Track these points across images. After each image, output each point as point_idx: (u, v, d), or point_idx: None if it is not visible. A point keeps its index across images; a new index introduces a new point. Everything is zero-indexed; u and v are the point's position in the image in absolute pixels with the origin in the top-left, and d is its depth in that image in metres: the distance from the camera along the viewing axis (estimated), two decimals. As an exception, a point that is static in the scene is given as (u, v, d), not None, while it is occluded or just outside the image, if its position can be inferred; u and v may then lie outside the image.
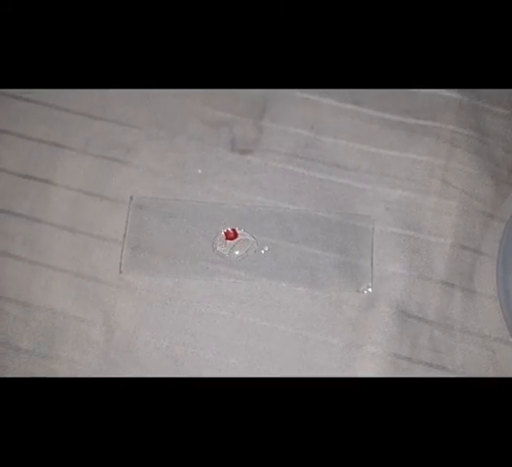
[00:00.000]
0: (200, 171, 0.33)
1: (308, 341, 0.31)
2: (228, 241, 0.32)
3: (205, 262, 0.32)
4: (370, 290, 0.31)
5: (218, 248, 0.32)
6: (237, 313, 0.31)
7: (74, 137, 0.33)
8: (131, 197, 0.32)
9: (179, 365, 0.31)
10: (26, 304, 0.31)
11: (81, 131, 0.33)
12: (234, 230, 0.32)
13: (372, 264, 0.32)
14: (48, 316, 0.31)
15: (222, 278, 0.31)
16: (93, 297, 0.31)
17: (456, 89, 0.34)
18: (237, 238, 0.32)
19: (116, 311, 0.31)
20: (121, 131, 0.34)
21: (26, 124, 0.33)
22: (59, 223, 0.32)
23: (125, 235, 0.32)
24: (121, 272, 0.31)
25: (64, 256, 0.32)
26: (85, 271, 0.32)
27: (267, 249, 0.32)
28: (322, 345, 0.30)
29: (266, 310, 0.31)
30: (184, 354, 0.31)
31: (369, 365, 0.30)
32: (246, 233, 0.32)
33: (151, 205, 0.33)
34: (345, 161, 0.33)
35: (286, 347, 0.31)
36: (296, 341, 0.31)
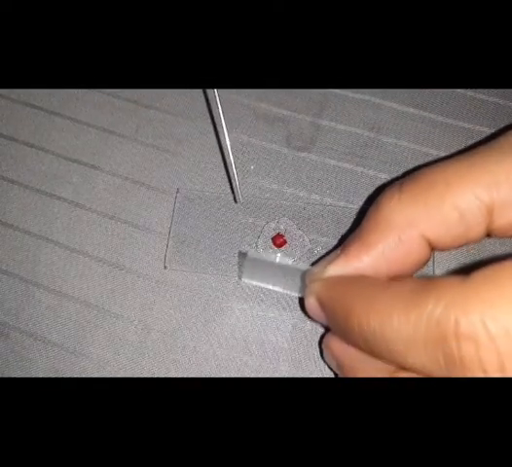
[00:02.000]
0: (252, 167, 0.32)
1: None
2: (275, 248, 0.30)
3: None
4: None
5: (261, 250, 0.30)
6: (287, 317, 0.29)
7: (124, 124, 0.32)
8: (178, 190, 0.31)
9: (222, 370, 0.28)
10: (60, 293, 0.29)
11: (132, 119, 0.32)
12: (282, 236, 0.30)
13: (434, 267, 0.29)
14: (81, 309, 0.29)
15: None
16: (132, 292, 0.29)
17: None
18: (285, 245, 0.30)
19: (154, 309, 0.29)
20: (173, 122, 0.32)
21: (77, 107, 0.32)
22: (102, 210, 0.30)
23: (170, 229, 0.30)
24: (165, 268, 0.29)
25: (104, 245, 0.30)
26: (124, 263, 0.29)
27: (320, 249, 0.30)
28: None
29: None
30: (227, 359, 0.28)
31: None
32: (299, 231, 0.30)
33: (198, 199, 0.31)
34: (406, 162, 0.31)
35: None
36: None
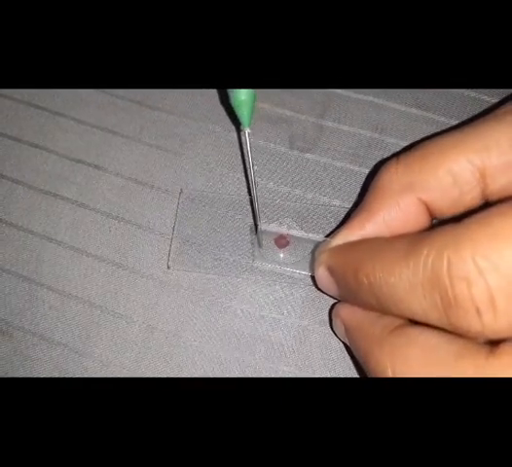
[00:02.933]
0: (255, 168, 0.32)
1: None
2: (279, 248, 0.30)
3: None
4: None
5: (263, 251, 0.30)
6: (290, 317, 0.29)
7: (128, 125, 0.32)
8: (181, 190, 0.31)
9: (225, 370, 0.28)
10: (63, 292, 0.29)
11: (135, 119, 0.32)
12: (284, 237, 0.30)
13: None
14: (85, 308, 0.29)
15: (274, 279, 0.29)
16: (135, 292, 0.29)
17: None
18: (289, 245, 0.30)
19: (158, 309, 0.29)
20: (176, 122, 0.32)
21: (81, 108, 0.32)
22: (105, 210, 0.30)
23: (173, 229, 0.30)
24: (168, 268, 0.29)
25: (107, 245, 0.30)
26: (128, 263, 0.29)
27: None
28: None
29: (321, 315, 0.29)
30: (230, 359, 0.28)
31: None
32: (302, 231, 0.30)
33: (201, 199, 0.31)
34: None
35: (342, 354, 0.28)
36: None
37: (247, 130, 0.25)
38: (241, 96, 0.24)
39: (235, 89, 0.24)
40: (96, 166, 0.31)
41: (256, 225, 0.28)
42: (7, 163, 0.31)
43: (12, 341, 0.28)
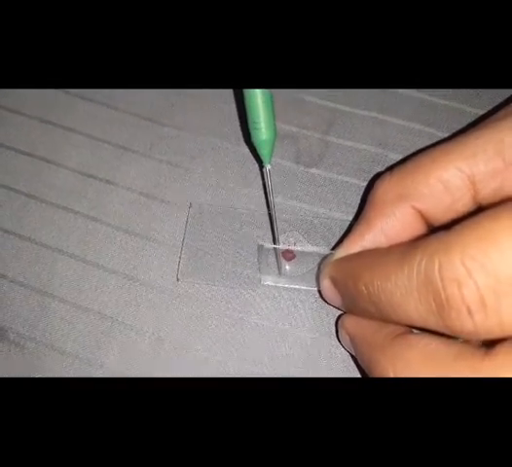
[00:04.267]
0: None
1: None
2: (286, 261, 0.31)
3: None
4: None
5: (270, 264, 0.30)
6: (300, 329, 0.29)
7: (139, 141, 0.33)
8: (191, 204, 0.32)
9: (233, 381, 0.28)
10: (75, 304, 0.29)
11: (146, 135, 0.33)
12: (291, 251, 0.31)
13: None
14: (95, 320, 0.29)
15: (281, 291, 0.30)
16: (145, 304, 0.30)
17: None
18: (295, 258, 0.31)
19: (168, 321, 0.29)
20: (186, 138, 0.33)
21: (93, 124, 0.33)
22: (116, 224, 0.31)
23: (183, 242, 0.31)
24: (178, 280, 0.30)
25: (118, 258, 0.30)
26: (138, 276, 0.30)
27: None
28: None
29: (328, 327, 0.29)
30: (239, 371, 0.29)
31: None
32: (308, 244, 0.31)
33: (210, 213, 0.31)
34: (413, 178, 0.32)
35: (350, 368, 0.28)
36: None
37: (268, 167, 0.27)
38: (262, 136, 0.26)
39: (256, 128, 0.26)
40: (107, 181, 0.32)
41: (275, 248, 0.30)
42: (21, 178, 0.32)
43: (23, 352, 0.29)
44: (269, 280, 0.30)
